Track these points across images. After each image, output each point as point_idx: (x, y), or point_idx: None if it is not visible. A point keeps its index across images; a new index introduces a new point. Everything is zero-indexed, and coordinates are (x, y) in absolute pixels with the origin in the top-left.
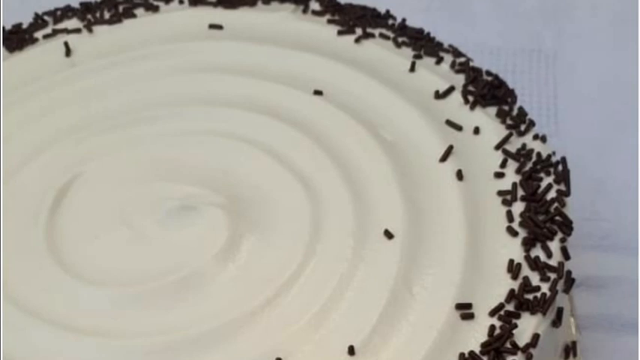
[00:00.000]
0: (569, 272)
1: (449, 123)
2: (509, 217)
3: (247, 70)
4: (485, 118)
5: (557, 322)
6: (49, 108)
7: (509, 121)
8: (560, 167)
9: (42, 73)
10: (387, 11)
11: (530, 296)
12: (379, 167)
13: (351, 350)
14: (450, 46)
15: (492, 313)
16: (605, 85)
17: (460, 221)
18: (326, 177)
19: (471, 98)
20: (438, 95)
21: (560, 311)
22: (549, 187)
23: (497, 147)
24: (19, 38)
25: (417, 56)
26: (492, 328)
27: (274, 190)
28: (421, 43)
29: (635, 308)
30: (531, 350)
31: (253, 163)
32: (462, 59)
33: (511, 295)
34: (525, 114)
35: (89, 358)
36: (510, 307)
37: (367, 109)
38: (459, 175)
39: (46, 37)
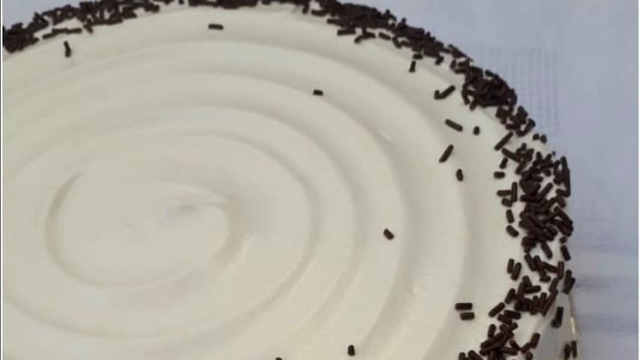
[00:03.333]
0: (569, 272)
1: (449, 123)
2: (509, 217)
3: (247, 70)
4: (486, 118)
5: (557, 322)
6: (49, 108)
7: (509, 121)
8: (560, 167)
9: (42, 73)
10: (387, 11)
11: (530, 296)
12: (379, 167)
13: (351, 350)
14: (450, 46)
15: (492, 313)
16: (605, 85)
17: (460, 221)
18: (326, 177)
19: (471, 98)
20: (438, 95)
21: (560, 311)
22: (549, 187)
23: (497, 147)
24: (19, 38)
25: (417, 56)
26: (492, 328)
27: (274, 190)
28: (421, 43)
29: (635, 308)
30: (531, 350)
31: (253, 163)
32: (462, 59)
33: (511, 295)
34: (525, 114)
35: (89, 358)
36: (510, 307)
37: (367, 109)
38: (459, 175)
39: (46, 37)
